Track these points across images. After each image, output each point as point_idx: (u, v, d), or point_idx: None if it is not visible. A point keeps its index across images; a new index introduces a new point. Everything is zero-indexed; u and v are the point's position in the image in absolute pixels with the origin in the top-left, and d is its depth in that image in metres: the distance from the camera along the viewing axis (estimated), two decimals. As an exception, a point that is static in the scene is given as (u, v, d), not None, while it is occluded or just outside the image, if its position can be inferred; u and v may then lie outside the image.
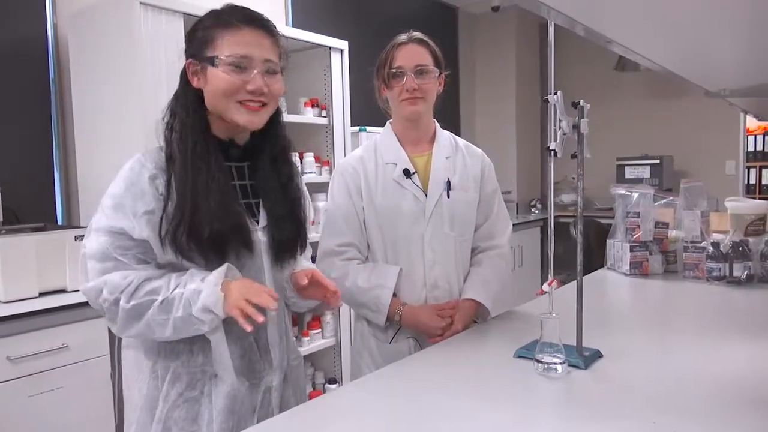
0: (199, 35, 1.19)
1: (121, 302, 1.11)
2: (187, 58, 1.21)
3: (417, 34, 1.58)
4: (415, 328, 1.54)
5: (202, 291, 1.10)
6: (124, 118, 2.23)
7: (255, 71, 1.17)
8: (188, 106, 1.19)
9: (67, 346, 1.91)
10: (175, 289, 1.12)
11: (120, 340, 1.31)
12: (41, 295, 2.00)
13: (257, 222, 1.26)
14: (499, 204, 1.69)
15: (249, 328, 1.08)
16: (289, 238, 1.28)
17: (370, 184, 1.58)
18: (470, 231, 1.64)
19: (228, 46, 1.16)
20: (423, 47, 1.56)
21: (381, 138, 1.65)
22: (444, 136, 1.67)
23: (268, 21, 1.22)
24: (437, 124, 1.67)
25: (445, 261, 1.58)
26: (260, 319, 1.08)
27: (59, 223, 2.50)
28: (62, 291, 2.05)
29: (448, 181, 1.58)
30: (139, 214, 1.13)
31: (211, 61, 1.16)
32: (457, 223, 1.59)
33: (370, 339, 1.61)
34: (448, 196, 1.57)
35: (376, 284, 1.53)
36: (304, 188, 1.38)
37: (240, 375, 1.21)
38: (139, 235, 1.13)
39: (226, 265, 1.14)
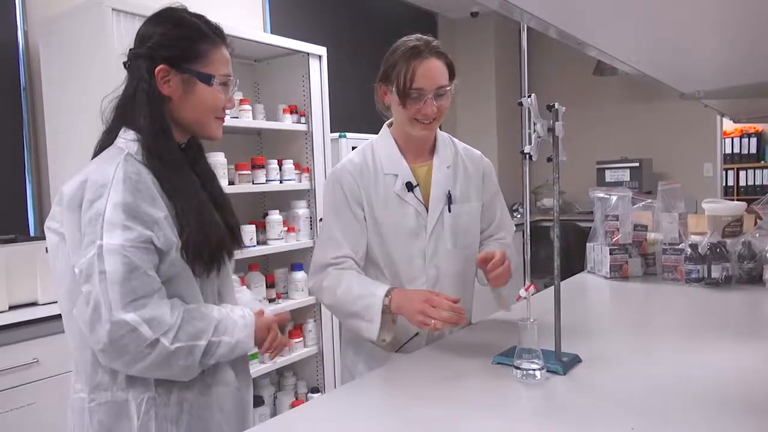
0: (182, 44, 1.17)
1: (164, 342, 1.05)
2: (156, 62, 1.16)
3: (435, 44, 1.46)
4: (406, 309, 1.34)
5: (240, 344, 1.16)
6: (98, 127, 2.18)
7: (232, 89, 1.24)
8: (163, 113, 1.17)
9: (37, 360, 1.86)
10: (215, 331, 1.12)
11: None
12: (11, 308, 1.95)
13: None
14: (501, 208, 1.66)
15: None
16: (238, 226, 1.31)
17: (371, 197, 1.49)
18: (475, 244, 1.58)
19: (217, 64, 1.20)
20: (442, 62, 1.45)
21: (379, 145, 1.55)
22: (444, 142, 1.60)
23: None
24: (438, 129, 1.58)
25: (449, 277, 1.52)
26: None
27: (31, 234, 2.44)
28: (33, 304, 1.99)
29: (449, 194, 1.52)
30: (158, 220, 1.08)
31: (207, 78, 1.18)
32: (459, 238, 1.53)
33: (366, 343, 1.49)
34: (450, 210, 1.51)
35: (368, 292, 1.39)
36: None
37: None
38: (163, 243, 1.08)
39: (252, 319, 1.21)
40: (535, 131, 1.13)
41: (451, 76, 1.48)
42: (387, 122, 1.59)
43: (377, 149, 1.55)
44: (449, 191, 1.52)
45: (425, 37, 1.47)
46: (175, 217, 1.11)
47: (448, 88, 1.46)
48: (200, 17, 1.22)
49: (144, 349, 1.04)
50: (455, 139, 1.65)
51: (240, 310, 1.22)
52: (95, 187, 1.08)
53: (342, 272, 1.45)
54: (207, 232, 1.14)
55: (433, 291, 1.38)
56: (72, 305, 1.11)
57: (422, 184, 1.52)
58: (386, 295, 1.35)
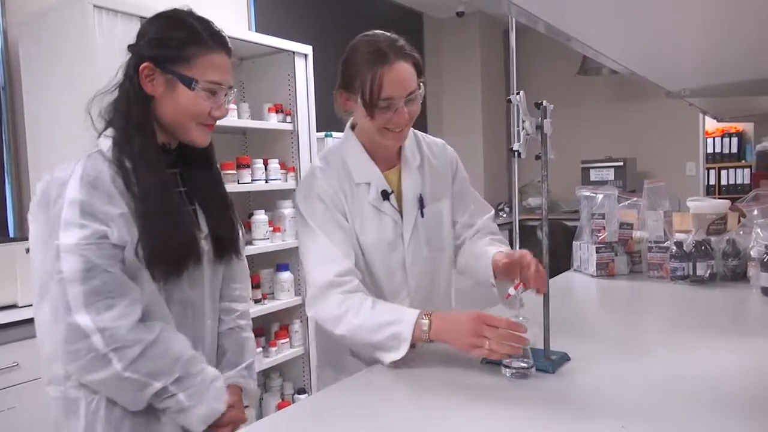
0: (171, 45, 1.14)
1: (116, 366, 1.03)
2: (143, 60, 1.14)
3: (400, 44, 1.30)
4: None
5: (190, 414, 1.11)
6: (79, 127, 2.15)
7: (223, 98, 1.20)
8: (143, 112, 1.15)
9: (18, 364, 1.82)
10: (176, 381, 1.09)
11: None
12: (-10, 311, 1.91)
13: (201, 231, 1.24)
14: (474, 195, 1.59)
15: None
16: (229, 236, 1.28)
17: (350, 209, 1.38)
18: (447, 245, 1.51)
19: (205, 69, 1.16)
20: (409, 63, 1.30)
21: (346, 151, 1.42)
22: (410, 140, 1.48)
23: (228, 42, 1.23)
24: None
25: (427, 284, 1.46)
26: None
27: (11, 235, 2.39)
28: (13, 306, 1.95)
29: (421, 197, 1.43)
30: (114, 216, 1.07)
31: (188, 82, 1.14)
32: (433, 242, 1.45)
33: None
34: (422, 215, 1.42)
35: (393, 319, 1.23)
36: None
37: None
38: (119, 239, 1.06)
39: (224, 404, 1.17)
40: (523, 128, 1.12)
41: (419, 74, 1.34)
42: (349, 123, 1.45)
43: (345, 156, 1.42)
44: (420, 194, 1.44)
45: (388, 35, 1.32)
46: (138, 223, 1.09)
47: (419, 91, 1.33)
48: (203, 21, 1.18)
49: (95, 362, 1.03)
50: (417, 133, 1.53)
51: (221, 385, 1.18)
52: (58, 186, 1.09)
53: (350, 297, 1.28)
54: (167, 234, 1.10)
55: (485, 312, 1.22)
56: (41, 301, 1.12)
57: (395, 190, 1.42)
58: (421, 318, 1.21)
